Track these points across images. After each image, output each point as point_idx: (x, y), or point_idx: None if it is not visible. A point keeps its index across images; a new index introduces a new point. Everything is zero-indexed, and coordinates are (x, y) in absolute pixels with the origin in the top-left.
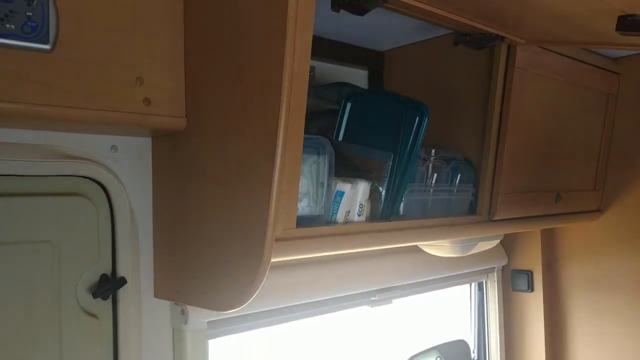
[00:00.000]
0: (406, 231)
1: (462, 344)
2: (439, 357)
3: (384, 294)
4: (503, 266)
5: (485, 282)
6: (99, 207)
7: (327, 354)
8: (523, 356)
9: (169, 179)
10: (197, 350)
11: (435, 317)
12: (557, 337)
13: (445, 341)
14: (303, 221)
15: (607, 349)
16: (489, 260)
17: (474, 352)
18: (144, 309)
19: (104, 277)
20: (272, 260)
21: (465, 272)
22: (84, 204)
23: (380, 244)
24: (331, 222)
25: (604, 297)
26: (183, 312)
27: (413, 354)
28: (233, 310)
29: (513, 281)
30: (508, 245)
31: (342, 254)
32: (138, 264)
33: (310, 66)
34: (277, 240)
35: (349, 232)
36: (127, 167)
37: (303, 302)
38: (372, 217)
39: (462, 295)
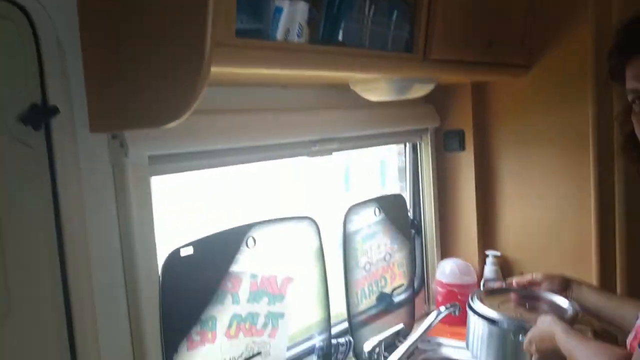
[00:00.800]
0: (345, 58)
1: (399, 198)
2: (377, 208)
3: (324, 144)
4: (436, 128)
5: (419, 143)
6: (22, 33)
7: (269, 202)
8: (456, 211)
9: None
10: (139, 185)
11: (372, 176)
12: (487, 191)
13: (383, 194)
14: (243, 34)
15: (532, 199)
16: (423, 120)
17: (409, 210)
18: (80, 145)
19: (33, 106)
20: (213, 69)
21: (401, 130)
22: (4, 27)
23: (320, 68)
24: (271, 38)
25: (531, 151)
26: (122, 145)
27: (352, 204)
28: (175, 124)
29: (445, 142)
30: (440, 107)
31: (283, 105)
32: (70, 96)
33: None
34: (217, 45)
35: (289, 48)
36: None
37: (244, 145)
38: (312, 41)
39: (397, 158)
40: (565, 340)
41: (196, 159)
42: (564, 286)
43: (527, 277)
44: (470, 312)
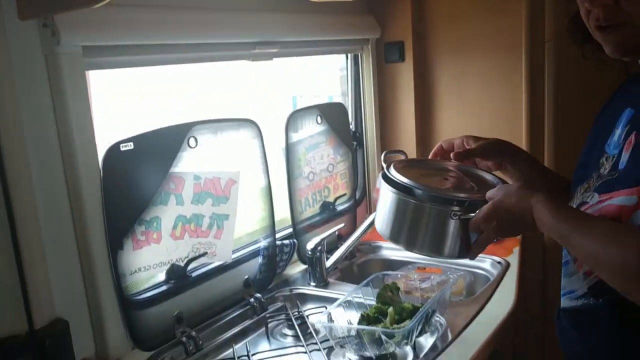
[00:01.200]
0: None
1: (340, 106)
2: (319, 115)
3: (264, 47)
4: (377, 40)
5: (360, 54)
6: None
7: (211, 104)
8: (396, 122)
9: None
10: (74, 77)
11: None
12: (426, 101)
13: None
14: None
15: (468, 107)
16: (364, 31)
17: (351, 123)
18: (10, 36)
19: None
20: None
21: (342, 38)
22: None
23: None
24: None
25: (467, 60)
26: (54, 34)
27: (294, 110)
28: (105, 2)
29: (386, 53)
30: (381, 18)
31: (222, 5)
32: None
33: None
34: None
35: None
36: None
37: (181, 41)
38: None
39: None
40: (556, 221)
41: (132, 53)
42: (500, 156)
43: (458, 143)
44: (384, 184)
